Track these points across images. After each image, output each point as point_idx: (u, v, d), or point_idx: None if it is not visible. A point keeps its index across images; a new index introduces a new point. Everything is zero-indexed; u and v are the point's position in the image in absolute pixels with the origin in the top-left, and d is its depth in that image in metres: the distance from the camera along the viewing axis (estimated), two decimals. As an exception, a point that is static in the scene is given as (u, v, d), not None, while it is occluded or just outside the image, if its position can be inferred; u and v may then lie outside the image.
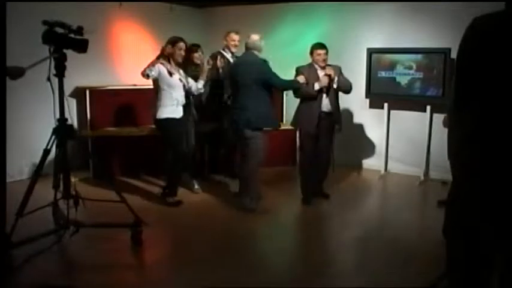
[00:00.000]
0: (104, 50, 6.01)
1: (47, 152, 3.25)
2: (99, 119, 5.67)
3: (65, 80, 3.22)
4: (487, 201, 1.76)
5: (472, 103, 1.81)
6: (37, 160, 3.31)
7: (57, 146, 3.30)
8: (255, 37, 4.35)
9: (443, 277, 2.52)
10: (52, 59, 3.18)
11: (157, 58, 4.29)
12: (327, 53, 4.44)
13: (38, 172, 3.25)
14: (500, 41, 1.71)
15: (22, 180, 4.91)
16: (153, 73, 4.21)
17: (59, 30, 3.19)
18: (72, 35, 3.23)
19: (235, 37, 5.18)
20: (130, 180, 5.35)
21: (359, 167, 6.16)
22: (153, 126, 4.70)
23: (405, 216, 4.39)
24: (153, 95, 4.44)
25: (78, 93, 5.69)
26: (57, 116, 3.28)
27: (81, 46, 3.28)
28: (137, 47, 6.25)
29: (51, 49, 3.17)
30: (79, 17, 5.53)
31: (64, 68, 3.23)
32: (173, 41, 4.39)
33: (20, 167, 5.16)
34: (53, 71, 3.20)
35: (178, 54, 4.40)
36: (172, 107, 4.33)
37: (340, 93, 4.56)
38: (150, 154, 5.44)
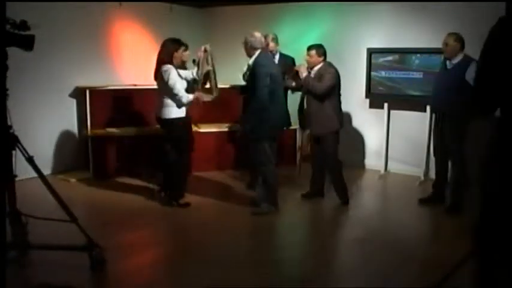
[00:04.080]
0: (104, 50, 6.02)
1: None
2: (99, 119, 5.66)
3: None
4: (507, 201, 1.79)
5: (496, 106, 1.81)
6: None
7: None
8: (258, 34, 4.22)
9: (447, 277, 2.52)
10: None
11: (166, 63, 4.22)
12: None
13: None
14: None
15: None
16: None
17: None
18: (15, 31, 2.81)
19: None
20: (130, 181, 5.35)
21: (359, 167, 6.16)
22: (154, 126, 4.64)
23: (405, 216, 4.39)
24: (156, 95, 4.36)
25: (78, 93, 5.69)
26: None
27: (26, 43, 2.85)
28: (137, 47, 6.26)
29: None
30: (79, 16, 5.62)
31: (5, 68, 2.79)
32: (178, 46, 4.30)
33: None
34: None
35: (185, 56, 4.53)
36: (180, 107, 4.30)
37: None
38: (150, 154, 5.45)
